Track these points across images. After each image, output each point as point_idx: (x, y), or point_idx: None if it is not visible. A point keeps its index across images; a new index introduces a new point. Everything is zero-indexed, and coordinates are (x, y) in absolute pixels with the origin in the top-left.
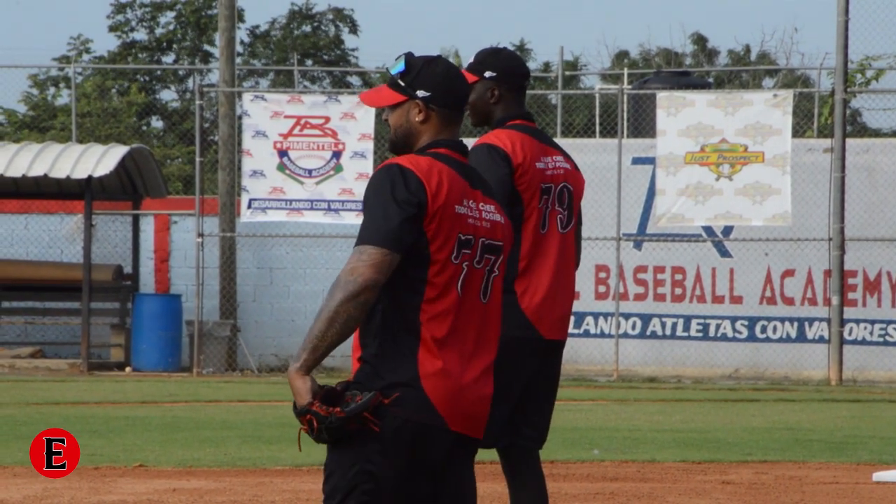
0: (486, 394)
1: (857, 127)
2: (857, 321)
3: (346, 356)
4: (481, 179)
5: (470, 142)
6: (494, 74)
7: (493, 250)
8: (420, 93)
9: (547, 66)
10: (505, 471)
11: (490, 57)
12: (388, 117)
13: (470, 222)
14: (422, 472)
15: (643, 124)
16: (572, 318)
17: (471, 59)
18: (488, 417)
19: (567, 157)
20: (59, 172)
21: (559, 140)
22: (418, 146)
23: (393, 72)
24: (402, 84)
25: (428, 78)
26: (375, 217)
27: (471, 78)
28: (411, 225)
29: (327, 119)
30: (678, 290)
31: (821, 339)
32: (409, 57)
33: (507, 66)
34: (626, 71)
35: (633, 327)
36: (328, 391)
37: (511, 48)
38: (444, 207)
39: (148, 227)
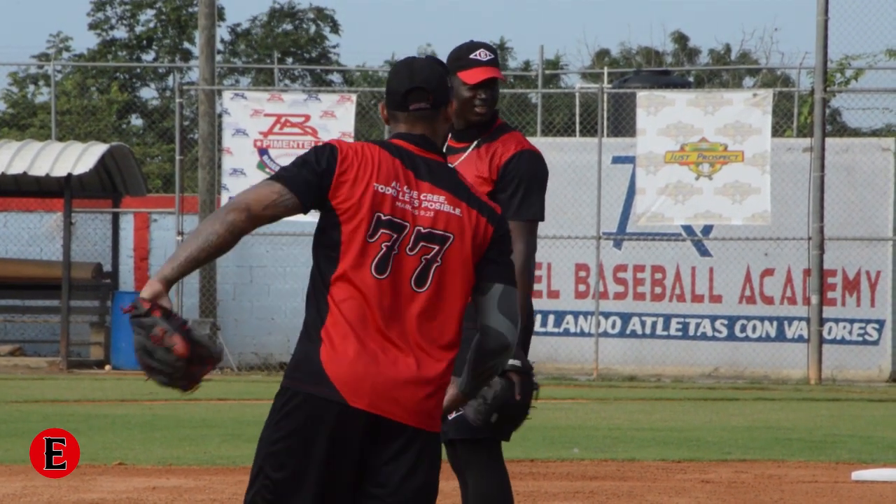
0: (410, 378)
1: (836, 126)
2: (837, 320)
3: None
4: (444, 175)
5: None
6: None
7: (434, 239)
8: (385, 94)
9: (527, 65)
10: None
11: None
12: None
13: (399, 206)
14: (335, 455)
15: (623, 123)
16: (552, 318)
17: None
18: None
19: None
20: (39, 170)
21: (538, 139)
22: None
23: None
24: None
25: (388, 80)
26: (286, 166)
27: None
28: (314, 182)
29: (307, 117)
30: (658, 289)
31: (800, 339)
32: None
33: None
34: (606, 70)
35: (613, 326)
36: (168, 310)
37: (493, 46)
38: (356, 181)
39: (128, 225)
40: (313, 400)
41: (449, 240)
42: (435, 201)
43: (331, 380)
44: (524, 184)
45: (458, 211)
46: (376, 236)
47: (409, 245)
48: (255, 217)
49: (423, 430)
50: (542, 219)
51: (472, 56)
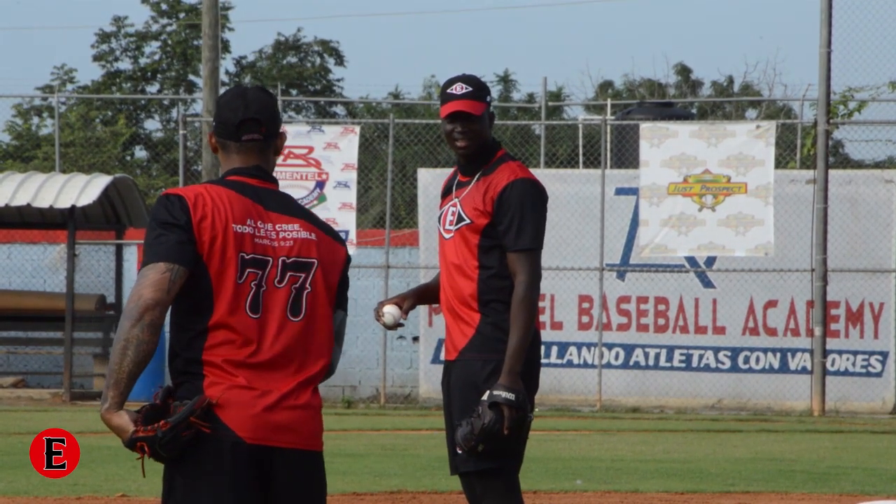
0: (299, 404)
1: (839, 158)
2: (840, 352)
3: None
4: (290, 203)
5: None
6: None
7: (300, 267)
8: (214, 124)
9: (531, 97)
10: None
11: None
12: None
13: (259, 242)
14: (239, 492)
15: (626, 155)
16: (555, 349)
17: (468, 87)
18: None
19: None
20: (43, 202)
21: (542, 170)
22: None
23: None
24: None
25: (219, 110)
26: (150, 242)
27: (477, 107)
28: (184, 239)
29: (311, 149)
30: (661, 321)
31: (803, 370)
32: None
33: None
34: (609, 101)
35: (616, 357)
36: (148, 410)
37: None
38: (213, 226)
39: (131, 256)
40: (211, 440)
41: (313, 265)
42: (291, 230)
43: (223, 421)
44: (518, 214)
45: (313, 236)
46: (244, 277)
47: (277, 278)
48: (166, 305)
49: (312, 451)
50: (540, 246)
51: (448, 90)
